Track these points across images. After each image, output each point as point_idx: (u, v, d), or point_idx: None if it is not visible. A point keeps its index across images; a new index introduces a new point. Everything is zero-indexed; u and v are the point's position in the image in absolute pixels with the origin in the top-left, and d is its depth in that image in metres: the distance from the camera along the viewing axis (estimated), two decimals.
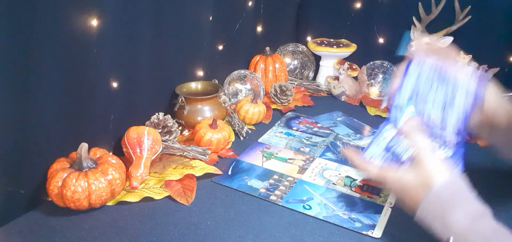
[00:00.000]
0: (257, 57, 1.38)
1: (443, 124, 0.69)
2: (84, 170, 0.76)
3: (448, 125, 0.69)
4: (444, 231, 0.60)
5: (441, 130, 0.70)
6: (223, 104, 1.11)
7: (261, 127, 1.14)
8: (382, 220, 0.77)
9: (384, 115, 1.24)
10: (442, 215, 0.60)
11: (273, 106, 1.26)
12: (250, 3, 1.33)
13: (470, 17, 1.23)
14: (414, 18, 1.31)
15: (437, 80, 0.71)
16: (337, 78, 1.37)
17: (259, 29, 1.46)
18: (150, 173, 0.88)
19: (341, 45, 1.44)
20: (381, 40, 1.44)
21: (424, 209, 0.62)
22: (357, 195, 0.85)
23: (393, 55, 1.39)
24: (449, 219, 0.59)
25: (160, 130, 0.96)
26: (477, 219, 0.58)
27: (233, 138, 1.07)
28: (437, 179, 0.62)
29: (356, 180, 0.90)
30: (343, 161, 0.97)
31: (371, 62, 1.40)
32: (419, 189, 0.63)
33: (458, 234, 0.58)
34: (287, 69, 1.46)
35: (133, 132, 0.88)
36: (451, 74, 0.70)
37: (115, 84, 0.91)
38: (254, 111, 1.13)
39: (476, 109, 0.69)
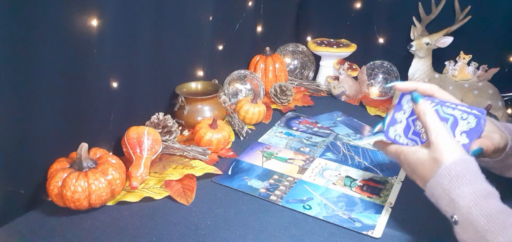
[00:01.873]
0: (257, 57, 1.38)
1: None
2: (84, 170, 0.76)
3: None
4: (450, 207, 0.62)
5: None
6: (223, 104, 1.12)
7: (261, 127, 1.14)
8: (382, 220, 0.77)
9: (384, 114, 1.24)
10: (449, 191, 0.62)
11: (273, 106, 1.26)
12: (250, 3, 1.33)
13: (470, 17, 1.23)
14: (414, 18, 1.31)
15: (437, 105, 0.72)
16: (337, 78, 1.37)
17: (259, 29, 1.47)
18: (150, 173, 0.88)
19: (341, 45, 1.44)
20: (381, 40, 1.44)
21: (433, 184, 0.64)
22: (357, 195, 0.85)
23: (393, 55, 1.40)
24: (454, 195, 0.61)
25: (160, 130, 0.96)
26: (483, 198, 0.59)
27: (233, 138, 1.07)
28: (448, 157, 0.64)
29: (356, 180, 0.90)
30: (343, 160, 0.98)
31: (371, 62, 1.40)
32: (429, 166, 0.66)
33: (462, 211, 0.60)
34: (287, 69, 1.46)
35: (133, 132, 0.88)
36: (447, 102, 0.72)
37: (115, 84, 0.91)
38: (254, 111, 1.13)
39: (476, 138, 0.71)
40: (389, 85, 0.82)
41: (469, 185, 0.61)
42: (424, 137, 0.71)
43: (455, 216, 0.61)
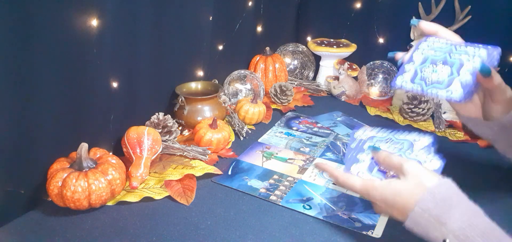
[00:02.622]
0: (257, 57, 1.38)
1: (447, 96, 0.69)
2: (84, 170, 0.76)
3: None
4: (440, 232, 0.58)
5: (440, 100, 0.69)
6: (223, 104, 1.12)
7: (261, 127, 1.14)
8: (382, 220, 0.77)
9: (383, 114, 1.24)
10: (437, 216, 0.58)
11: (273, 106, 1.26)
12: (250, 3, 1.33)
13: (470, 17, 1.23)
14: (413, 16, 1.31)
15: (448, 52, 0.71)
16: (337, 78, 1.37)
17: (259, 29, 1.47)
18: (150, 173, 0.88)
19: (341, 45, 1.44)
20: (381, 40, 1.44)
21: (418, 212, 0.60)
22: (357, 195, 0.85)
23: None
24: (444, 218, 0.57)
25: (160, 130, 0.96)
26: (474, 217, 0.58)
27: (233, 138, 1.07)
28: (429, 181, 0.61)
29: None
30: (343, 160, 0.97)
31: (371, 62, 1.40)
32: (410, 194, 0.61)
33: (456, 233, 0.57)
34: (287, 69, 1.46)
35: (133, 132, 0.88)
36: (461, 44, 0.72)
37: (115, 84, 0.91)
38: (254, 111, 1.13)
39: (483, 79, 0.68)
40: (413, 22, 0.81)
41: (457, 206, 0.58)
42: (390, 175, 0.68)
43: (447, 241, 0.57)
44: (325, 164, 0.74)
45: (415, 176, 0.62)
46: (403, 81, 0.73)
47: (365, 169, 0.71)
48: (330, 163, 0.72)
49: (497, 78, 0.70)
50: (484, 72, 0.67)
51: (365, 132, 0.76)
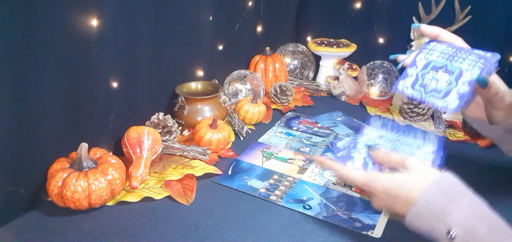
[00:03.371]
0: (257, 57, 1.38)
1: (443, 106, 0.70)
2: (84, 170, 0.76)
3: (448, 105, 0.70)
4: (444, 223, 0.57)
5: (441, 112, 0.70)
6: (223, 104, 1.12)
7: (261, 127, 1.14)
8: (382, 220, 0.77)
9: (383, 114, 1.24)
10: (441, 207, 0.57)
11: (273, 106, 1.26)
12: (250, 3, 1.33)
13: (470, 17, 1.23)
14: (414, 18, 1.31)
15: (450, 58, 0.72)
16: (337, 78, 1.37)
17: (259, 29, 1.47)
18: (150, 173, 0.88)
19: (341, 45, 1.44)
20: (381, 40, 1.44)
21: (421, 204, 0.59)
22: (357, 195, 0.85)
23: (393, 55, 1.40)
24: (449, 209, 0.57)
25: (160, 130, 0.96)
26: (479, 207, 0.58)
27: (233, 138, 1.07)
28: (432, 175, 0.61)
29: None
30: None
31: (371, 62, 1.40)
32: (414, 186, 0.60)
33: (461, 222, 0.56)
34: (287, 69, 1.46)
35: (133, 132, 0.88)
36: (462, 49, 0.72)
37: (115, 84, 0.91)
38: (254, 111, 1.13)
39: (481, 89, 0.69)
40: (414, 26, 0.83)
41: (462, 197, 0.58)
42: (386, 170, 0.69)
43: (452, 232, 0.56)
44: (323, 159, 0.73)
45: (418, 169, 0.63)
46: (404, 87, 0.74)
47: (359, 166, 0.71)
48: (326, 158, 0.73)
49: (494, 87, 0.70)
50: (481, 83, 0.67)
51: (370, 134, 0.76)
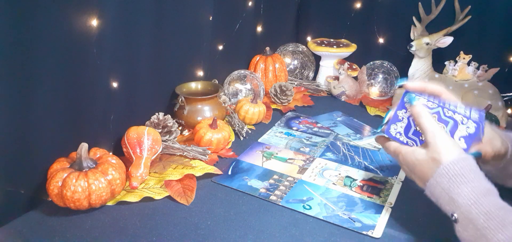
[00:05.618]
0: (257, 57, 1.38)
1: None
2: (84, 170, 0.76)
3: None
4: (450, 205, 0.62)
5: None
6: (223, 104, 1.12)
7: (261, 127, 1.14)
8: (382, 220, 0.77)
9: (384, 114, 1.24)
10: (448, 190, 0.62)
11: (273, 106, 1.26)
12: (250, 3, 1.33)
13: (470, 17, 1.23)
14: (414, 18, 1.31)
15: (440, 110, 0.72)
16: (337, 78, 1.37)
17: (259, 29, 1.47)
18: (150, 173, 0.88)
19: (341, 45, 1.44)
20: (381, 40, 1.44)
21: (432, 184, 0.65)
22: (357, 195, 0.85)
23: (393, 55, 1.40)
24: (454, 194, 0.62)
25: (160, 130, 0.96)
26: (482, 196, 0.60)
27: (233, 138, 1.07)
28: (446, 156, 0.64)
29: (356, 180, 0.90)
30: (343, 160, 0.98)
31: (371, 62, 1.40)
32: (428, 166, 0.66)
33: (462, 209, 0.60)
34: (287, 69, 1.46)
35: (133, 132, 0.88)
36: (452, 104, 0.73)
37: (115, 84, 0.91)
38: (254, 111, 1.13)
39: (476, 141, 0.71)
40: (398, 83, 0.83)
41: (468, 183, 0.61)
42: (423, 138, 0.71)
43: (455, 215, 0.61)
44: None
45: (434, 149, 0.66)
46: (397, 132, 0.76)
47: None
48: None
49: (488, 154, 0.74)
50: (475, 157, 0.69)
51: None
